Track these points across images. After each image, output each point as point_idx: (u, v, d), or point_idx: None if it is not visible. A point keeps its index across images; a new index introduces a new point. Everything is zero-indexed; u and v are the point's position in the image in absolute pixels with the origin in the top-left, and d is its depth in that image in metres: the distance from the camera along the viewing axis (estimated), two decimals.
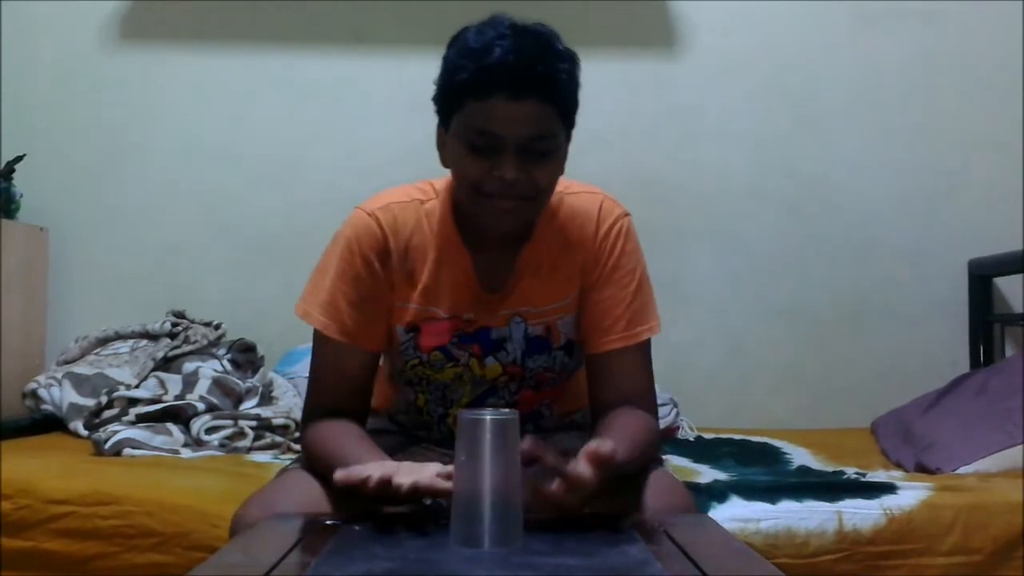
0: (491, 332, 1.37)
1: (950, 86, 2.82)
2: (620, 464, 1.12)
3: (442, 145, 1.32)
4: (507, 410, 1.05)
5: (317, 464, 1.29)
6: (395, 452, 1.38)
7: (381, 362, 1.46)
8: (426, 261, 1.35)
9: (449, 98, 1.26)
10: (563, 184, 1.38)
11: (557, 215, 1.37)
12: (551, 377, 1.42)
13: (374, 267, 1.33)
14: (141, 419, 2.11)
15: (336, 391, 1.35)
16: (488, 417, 1.02)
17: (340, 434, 1.29)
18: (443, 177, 1.37)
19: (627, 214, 1.40)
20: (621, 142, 2.78)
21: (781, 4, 2.83)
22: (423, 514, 1.18)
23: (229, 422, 2.15)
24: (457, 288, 1.35)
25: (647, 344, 1.38)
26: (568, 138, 1.31)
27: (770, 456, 2.18)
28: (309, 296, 1.37)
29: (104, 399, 2.17)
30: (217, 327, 2.50)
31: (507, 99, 1.20)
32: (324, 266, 1.37)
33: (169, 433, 2.09)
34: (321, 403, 1.35)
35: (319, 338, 1.35)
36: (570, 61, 1.26)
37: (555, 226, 1.37)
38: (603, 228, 1.37)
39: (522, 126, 1.22)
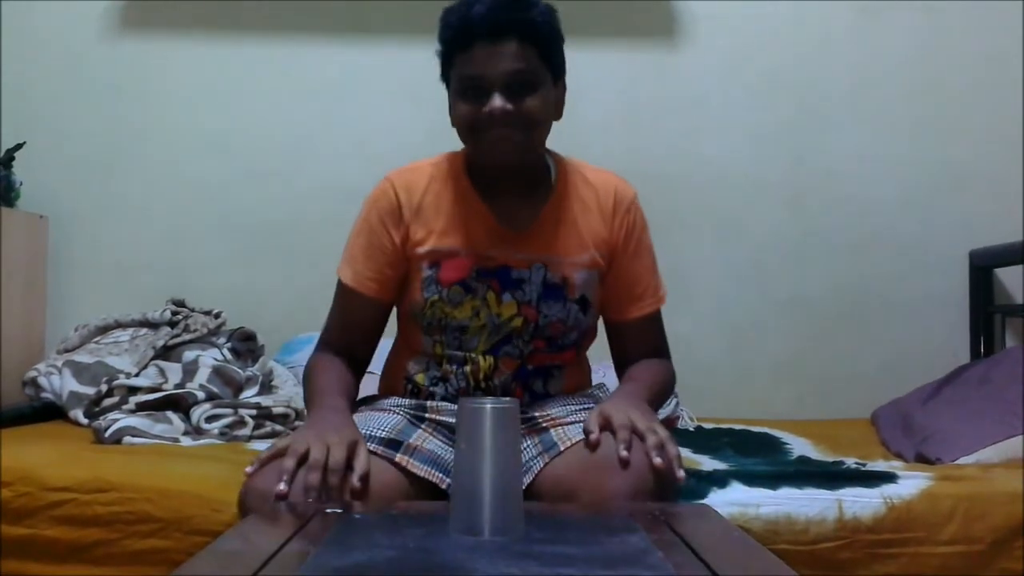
0: (511, 272, 1.46)
1: (952, 78, 2.81)
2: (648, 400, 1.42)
3: (450, 107, 1.45)
4: (507, 399, 1.06)
5: (305, 387, 1.49)
6: (399, 432, 1.39)
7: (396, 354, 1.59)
8: (440, 210, 1.48)
9: (445, 59, 1.43)
10: (579, 163, 1.56)
11: (577, 181, 1.51)
12: (563, 331, 1.48)
13: (386, 224, 1.49)
14: (141, 407, 2.11)
15: (341, 331, 1.53)
16: (488, 406, 1.02)
17: (326, 371, 1.48)
18: (454, 149, 1.54)
19: (637, 194, 1.57)
20: (623, 133, 2.77)
21: None
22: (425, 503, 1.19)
23: (229, 411, 2.14)
24: (472, 227, 1.47)
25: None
26: (560, 87, 1.46)
27: (770, 446, 2.18)
28: (341, 259, 1.54)
29: (104, 387, 2.17)
30: (217, 316, 2.49)
31: (488, 43, 1.36)
32: (352, 231, 1.54)
33: (169, 421, 2.09)
34: (327, 339, 1.54)
35: (338, 285, 1.53)
36: (546, 9, 1.41)
37: (575, 189, 1.51)
38: (623, 206, 1.52)
39: (503, 63, 1.36)
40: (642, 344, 1.56)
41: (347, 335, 1.53)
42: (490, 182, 1.48)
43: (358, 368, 1.54)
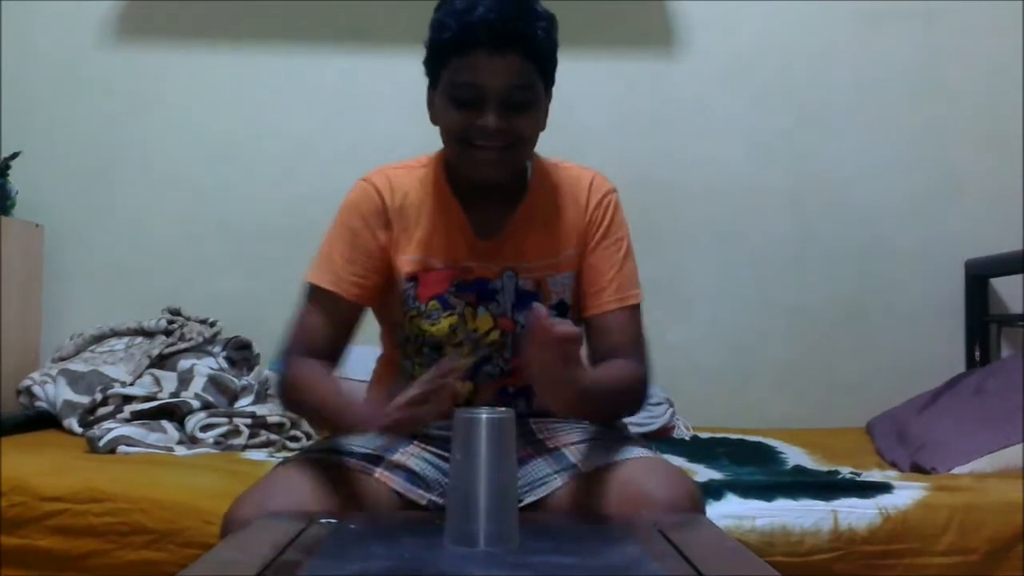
0: (487, 284, 1.42)
1: (950, 86, 2.82)
2: (591, 383, 1.23)
3: (431, 104, 1.41)
4: (503, 409, 1.05)
5: (300, 395, 1.39)
6: (388, 451, 1.39)
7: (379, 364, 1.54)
8: (421, 217, 1.43)
9: (436, 56, 1.36)
10: (556, 160, 1.50)
11: (552, 180, 1.47)
12: None
13: (371, 226, 1.43)
14: (136, 416, 2.11)
15: (320, 336, 1.42)
16: (484, 416, 1.02)
17: (320, 375, 1.38)
18: (436, 150, 1.47)
19: (615, 190, 1.48)
20: (621, 141, 2.77)
21: (782, 3, 2.83)
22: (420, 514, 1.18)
23: (224, 420, 2.14)
24: (451, 238, 1.42)
25: (638, 308, 1.45)
26: (548, 96, 1.40)
27: (765, 456, 2.18)
28: (312, 264, 1.46)
29: (99, 396, 2.17)
30: (213, 324, 2.49)
31: (488, 53, 1.30)
32: (327, 236, 1.47)
33: (164, 431, 2.08)
34: (301, 344, 1.42)
35: (311, 289, 1.44)
36: (547, 20, 1.35)
37: (550, 189, 1.46)
38: (594, 199, 1.45)
39: (502, 77, 1.31)
40: (604, 342, 1.43)
41: (323, 341, 1.42)
42: (470, 188, 1.43)
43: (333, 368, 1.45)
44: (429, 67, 1.38)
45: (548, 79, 1.38)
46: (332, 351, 1.44)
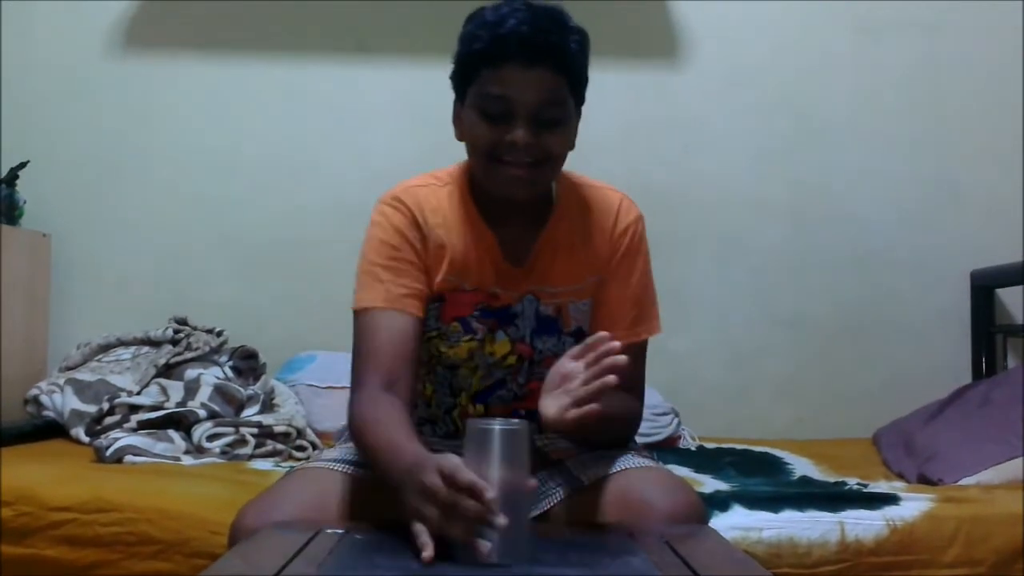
0: (509, 308, 1.40)
1: (952, 97, 2.83)
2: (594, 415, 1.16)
3: (457, 119, 1.37)
4: (516, 420, 1.05)
5: (362, 445, 1.27)
6: None
7: None
8: (451, 237, 1.38)
9: (465, 69, 1.32)
10: (583, 178, 1.46)
11: (578, 200, 1.43)
12: None
13: (409, 240, 1.36)
14: (143, 426, 2.11)
15: (390, 359, 1.31)
16: (497, 427, 1.02)
17: (388, 422, 1.24)
18: (453, 165, 1.43)
19: (642, 218, 1.46)
20: (623, 151, 2.77)
21: (783, 15, 2.84)
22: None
23: (230, 429, 2.14)
24: (482, 261, 1.38)
25: (646, 343, 1.44)
26: (577, 114, 1.37)
27: (772, 466, 2.18)
28: (358, 291, 1.37)
29: (106, 406, 2.17)
30: (219, 334, 2.49)
31: (521, 66, 1.27)
32: (363, 259, 1.38)
33: (170, 440, 2.09)
34: (373, 377, 1.30)
35: (365, 316, 1.34)
36: (580, 35, 1.33)
37: (576, 210, 1.42)
38: (620, 226, 1.42)
39: (534, 92, 1.28)
40: None
41: (392, 364, 1.31)
42: (496, 207, 1.39)
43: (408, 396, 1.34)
44: (457, 81, 1.35)
45: (578, 97, 1.35)
46: (404, 372, 1.32)
